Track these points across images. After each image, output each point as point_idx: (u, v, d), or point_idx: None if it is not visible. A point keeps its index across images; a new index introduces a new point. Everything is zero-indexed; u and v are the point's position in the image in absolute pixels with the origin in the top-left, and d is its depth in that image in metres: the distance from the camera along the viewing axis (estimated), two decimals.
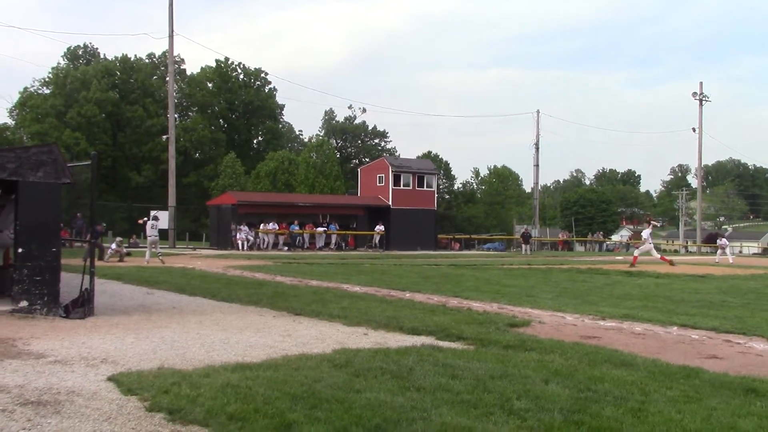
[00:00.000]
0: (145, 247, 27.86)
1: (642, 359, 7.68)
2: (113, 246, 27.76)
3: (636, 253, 30.30)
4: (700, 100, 68.58)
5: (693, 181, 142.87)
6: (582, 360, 7.55)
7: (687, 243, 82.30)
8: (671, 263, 28.82)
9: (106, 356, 7.54)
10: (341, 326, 10.16)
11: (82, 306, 10.82)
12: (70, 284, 11.37)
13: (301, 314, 11.38)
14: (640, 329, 10.39)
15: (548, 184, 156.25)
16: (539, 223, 69.48)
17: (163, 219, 42.43)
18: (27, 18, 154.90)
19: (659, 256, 30.54)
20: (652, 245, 30.08)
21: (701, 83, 69.71)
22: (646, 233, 30.27)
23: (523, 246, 51.00)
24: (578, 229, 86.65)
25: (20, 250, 10.60)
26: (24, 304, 10.56)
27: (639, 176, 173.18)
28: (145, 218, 28.66)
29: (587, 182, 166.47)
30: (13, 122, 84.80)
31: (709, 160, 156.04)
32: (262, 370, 6.74)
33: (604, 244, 73.64)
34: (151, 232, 27.01)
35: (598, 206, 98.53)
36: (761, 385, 6.48)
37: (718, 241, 41.65)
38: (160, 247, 28.10)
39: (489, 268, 26.23)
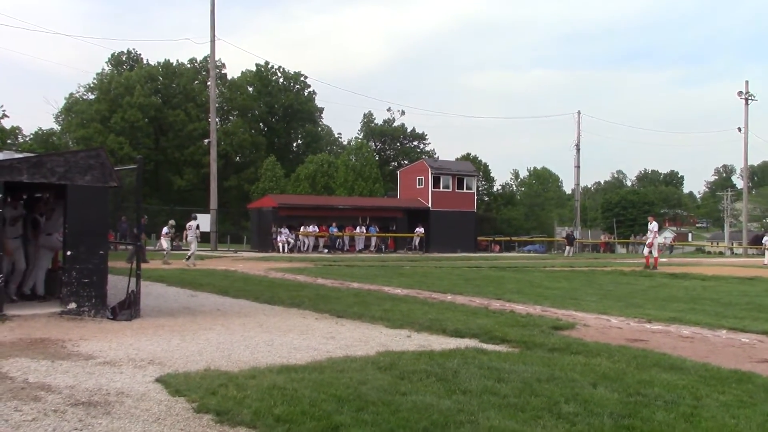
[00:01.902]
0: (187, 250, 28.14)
1: (691, 363, 7.54)
2: (165, 244, 28.01)
3: (655, 253, 28.60)
4: (746, 99, 67.16)
5: (738, 181, 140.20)
6: (630, 363, 7.43)
7: (732, 245, 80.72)
8: (649, 267, 27.00)
9: (153, 357, 7.63)
10: (384, 328, 10.16)
11: (129, 308, 10.97)
12: (116, 286, 11.56)
13: (343, 317, 11.40)
14: (688, 332, 10.20)
15: (589, 186, 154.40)
16: (580, 224, 68.66)
17: (205, 222, 43.00)
18: (72, 25, 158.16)
19: (655, 255, 28.59)
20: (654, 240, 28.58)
21: (747, 82, 68.15)
22: (655, 227, 28.70)
23: (567, 248, 50.52)
24: (620, 231, 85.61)
25: (69, 253, 10.79)
26: (72, 306, 10.75)
27: (682, 177, 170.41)
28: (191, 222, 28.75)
29: (629, 183, 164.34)
30: (59, 127, 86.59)
31: (755, 160, 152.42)
32: (307, 372, 6.76)
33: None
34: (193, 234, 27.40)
35: (640, 208, 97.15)
36: None
37: (764, 240, 40.13)
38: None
39: (530, 270, 26.01)
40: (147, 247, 32.20)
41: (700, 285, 19.25)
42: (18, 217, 12.17)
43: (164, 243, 28.15)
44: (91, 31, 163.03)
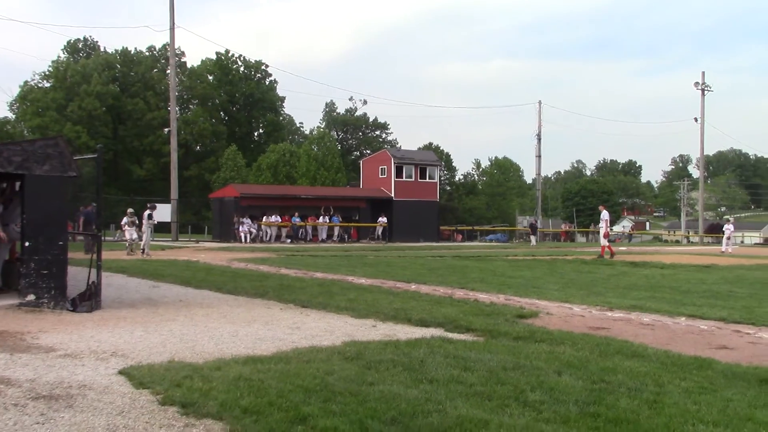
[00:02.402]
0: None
1: (653, 350, 7.65)
2: (129, 234, 27.31)
3: (604, 242, 28.00)
4: (702, 90, 68.36)
5: (694, 171, 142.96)
6: (593, 351, 7.52)
7: (689, 233, 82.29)
8: (600, 256, 26.68)
9: (116, 350, 7.52)
10: (349, 318, 10.14)
11: (90, 299, 10.80)
12: (75, 278, 11.35)
13: (308, 306, 11.36)
14: (649, 320, 10.36)
15: (549, 176, 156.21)
16: (542, 214, 69.34)
17: (165, 212, 42.49)
18: (27, 11, 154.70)
19: (606, 244, 27.93)
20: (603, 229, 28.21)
21: (703, 73, 69.85)
22: (606, 215, 28.32)
23: (531, 237, 51.14)
24: (579, 220, 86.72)
25: (27, 244, 10.57)
26: (31, 297, 10.54)
27: (640, 167, 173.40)
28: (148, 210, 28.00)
29: (588, 173, 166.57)
30: (14, 116, 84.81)
31: (711, 150, 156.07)
32: (273, 363, 6.72)
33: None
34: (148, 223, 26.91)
35: (599, 197, 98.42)
36: None
37: (724, 228, 40.57)
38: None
39: (493, 259, 26.20)
40: (107, 238, 31.69)
41: (659, 273, 19.56)
42: None
43: (127, 233, 27.53)
44: (46, 17, 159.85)
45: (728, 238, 38.69)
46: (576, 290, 14.33)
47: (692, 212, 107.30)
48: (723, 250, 37.06)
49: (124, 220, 27.91)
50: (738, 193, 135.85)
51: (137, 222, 27.71)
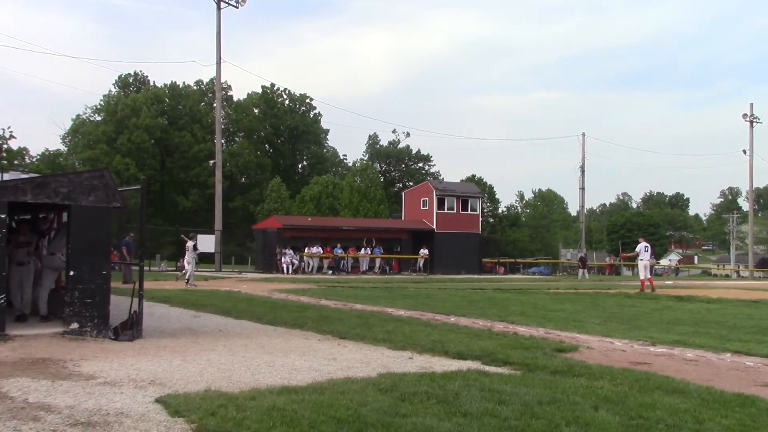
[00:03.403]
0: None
1: (695, 386, 7.48)
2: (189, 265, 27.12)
3: (645, 275, 26.70)
4: (751, 122, 67.30)
5: (744, 204, 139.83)
6: (632, 386, 7.38)
7: (739, 267, 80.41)
8: (644, 290, 25.63)
9: (154, 378, 7.62)
10: (386, 350, 10.12)
11: (131, 328, 10.97)
12: (118, 306, 11.56)
13: (345, 338, 11.36)
14: (692, 356, 10.14)
15: (594, 208, 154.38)
16: (585, 247, 68.54)
17: (209, 243, 43.03)
18: (79, 47, 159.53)
19: (648, 277, 26.74)
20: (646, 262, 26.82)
21: (752, 104, 68.44)
22: (640, 248, 26.74)
23: (580, 270, 50.66)
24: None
25: (72, 273, 10.81)
26: (75, 326, 10.75)
27: (687, 199, 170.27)
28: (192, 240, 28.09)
29: (634, 205, 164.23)
30: (66, 149, 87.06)
31: (761, 182, 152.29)
32: (307, 393, 6.73)
33: (653, 269, 72.27)
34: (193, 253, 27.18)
35: (645, 230, 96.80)
36: None
37: None
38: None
39: (535, 292, 25.92)
40: (151, 268, 32.19)
41: (704, 308, 19.13)
42: (26, 243, 12.24)
43: (186, 265, 27.59)
44: (98, 53, 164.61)
45: None
46: (618, 324, 14.09)
47: (742, 246, 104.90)
48: None
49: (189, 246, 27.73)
50: None
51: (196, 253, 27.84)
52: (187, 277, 26.26)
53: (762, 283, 45.17)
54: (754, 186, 76.46)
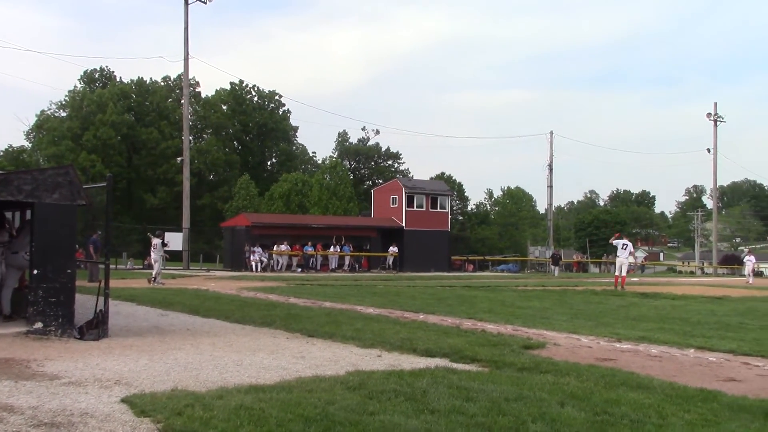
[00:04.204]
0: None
1: (659, 382, 7.59)
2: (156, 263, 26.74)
3: (618, 272, 26.96)
4: (715, 121, 68.35)
5: (708, 202, 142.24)
6: (598, 383, 7.47)
7: (703, 264, 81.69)
8: (618, 287, 25.91)
9: (120, 378, 7.54)
10: (355, 348, 10.12)
11: (97, 327, 10.83)
12: (83, 305, 11.41)
13: (314, 336, 11.34)
14: (657, 352, 10.28)
15: (562, 206, 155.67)
16: (554, 244, 69.12)
17: (177, 240, 42.67)
18: (44, 42, 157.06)
19: (622, 275, 26.82)
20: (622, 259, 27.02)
21: (715, 104, 69.47)
22: (619, 245, 27.07)
23: (553, 267, 51.28)
24: (592, 251, 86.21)
25: (35, 272, 10.65)
26: (39, 325, 10.59)
27: (654, 197, 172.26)
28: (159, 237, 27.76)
29: (601, 203, 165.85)
30: (30, 145, 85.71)
31: (725, 180, 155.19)
32: (275, 392, 6.71)
33: (636, 264, 73.21)
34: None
35: (612, 227, 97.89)
36: None
37: (746, 259, 40.29)
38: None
39: (503, 289, 26.09)
40: (118, 267, 31.84)
41: (669, 304, 19.43)
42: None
43: (154, 263, 27.26)
44: (63, 48, 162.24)
45: (752, 270, 38.49)
46: (585, 321, 14.25)
47: (706, 243, 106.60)
48: (750, 281, 36.67)
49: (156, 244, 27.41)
50: (752, 223, 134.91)
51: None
52: (154, 276, 25.99)
53: (725, 279, 45.94)
54: (718, 184, 77.73)
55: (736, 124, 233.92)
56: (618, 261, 27.27)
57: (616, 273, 27.35)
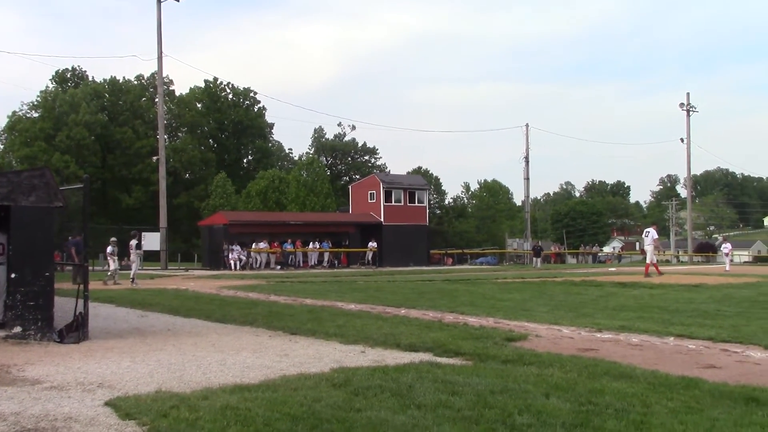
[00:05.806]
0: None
1: (641, 371, 7.66)
2: (112, 265, 26.98)
3: (649, 260, 27.78)
4: (688, 111, 69.03)
5: (682, 191, 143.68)
6: (581, 373, 7.53)
7: (678, 253, 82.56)
8: (647, 275, 26.59)
9: (103, 381, 7.47)
10: (338, 345, 10.11)
11: (77, 330, 10.73)
12: (63, 308, 11.28)
13: (297, 333, 11.32)
14: (637, 340, 10.38)
15: (539, 198, 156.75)
16: (531, 236, 69.49)
17: (154, 240, 42.36)
18: (14, 41, 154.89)
19: (654, 261, 27.81)
20: (646, 247, 28.18)
21: (688, 94, 70.14)
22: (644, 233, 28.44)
23: (534, 259, 51.69)
24: (569, 242, 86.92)
25: (13, 276, 10.52)
26: (17, 329, 10.47)
27: (628, 187, 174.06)
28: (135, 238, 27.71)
29: (577, 194, 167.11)
30: (2, 146, 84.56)
31: (698, 170, 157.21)
32: (260, 391, 6.69)
33: (597, 256, 73.86)
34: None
35: (588, 218, 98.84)
36: (761, 394, 6.46)
37: (722, 247, 40.65)
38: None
39: (483, 282, 26.18)
40: (95, 268, 31.55)
41: (647, 293, 19.59)
42: None
43: (111, 263, 27.31)
44: (34, 48, 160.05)
45: (729, 258, 38.87)
46: (565, 312, 14.34)
47: (681, 232, 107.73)
48: (728, 269, 37.05)
49: (109, 249, 27.49)
50: (726, 212, 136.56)
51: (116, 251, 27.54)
52: (131, 276, 25.81)
53: (701, 267, 46.48)
54: (692, 173, 78.51)
55: (708, 114, 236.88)
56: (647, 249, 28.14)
57: (648, 260, 28.02)
